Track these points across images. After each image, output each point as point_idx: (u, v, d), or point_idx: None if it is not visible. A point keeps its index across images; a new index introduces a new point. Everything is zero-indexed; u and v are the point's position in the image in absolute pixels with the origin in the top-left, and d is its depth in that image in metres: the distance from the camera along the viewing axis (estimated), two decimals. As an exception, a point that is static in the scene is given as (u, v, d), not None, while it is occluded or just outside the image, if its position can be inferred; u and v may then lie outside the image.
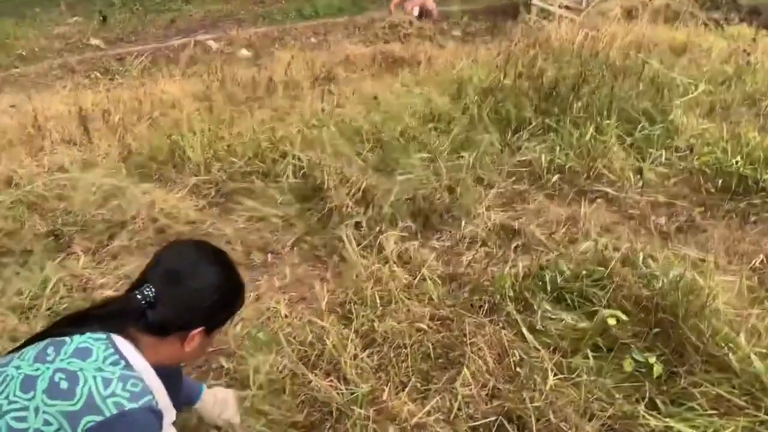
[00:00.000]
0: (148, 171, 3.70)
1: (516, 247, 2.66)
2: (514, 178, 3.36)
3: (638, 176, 3.30)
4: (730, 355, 1.75)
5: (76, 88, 5.96)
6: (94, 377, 1.05)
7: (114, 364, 1.09)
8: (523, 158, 3.51)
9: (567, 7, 8.38)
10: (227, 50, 7.81)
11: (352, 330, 2.10)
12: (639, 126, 3.70)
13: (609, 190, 3.19)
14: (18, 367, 1.08)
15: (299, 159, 3.35)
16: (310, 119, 4.18)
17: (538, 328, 2.07)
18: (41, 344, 1.13)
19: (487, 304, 2.21)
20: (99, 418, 1.02)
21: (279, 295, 2.51)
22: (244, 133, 3.98)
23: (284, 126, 4.08)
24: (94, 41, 7.64)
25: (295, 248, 2.91)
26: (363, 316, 2.17)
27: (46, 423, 1.01)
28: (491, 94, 4.25)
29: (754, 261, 2.47)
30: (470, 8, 10.34)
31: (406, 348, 2.01)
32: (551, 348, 1.97)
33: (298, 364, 1.96)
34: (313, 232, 2.97)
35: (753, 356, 1.72)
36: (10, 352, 1.18)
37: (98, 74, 6.42)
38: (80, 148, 3.83)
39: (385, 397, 1.82)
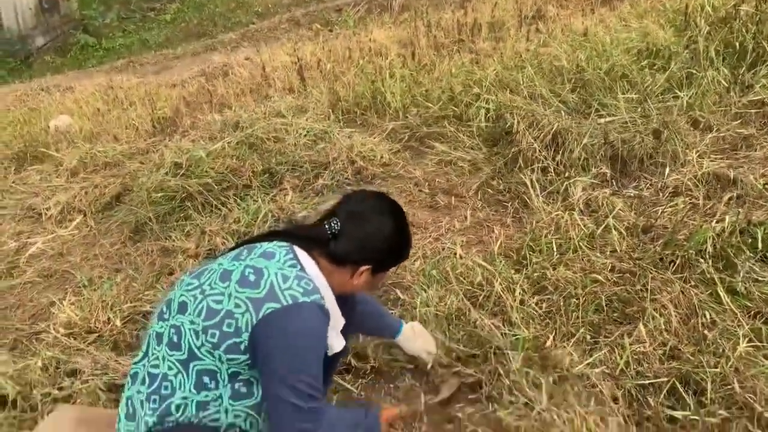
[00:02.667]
0: (353, 116, 3.98)
1: (729, 200, 2.32)
2: (740, 121, 2.88)
3: None
4: None
5: (300, 40, 6.56)
6: (276, 273, 1.25)
7: (292, 266, 1.28)
8: (756, 98, 2.99)
9: None
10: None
11: (523, 276, 2.06)
12: None
13: None
14: (220, 264, 1.33)
15: (489, 102, 3.29)
16: (509, 61, 4.06)
17: (738, 289, 1.81)
18: (240, 249, 1.37)
19: (679, 260, 1.98)
20: (277, 306, 1.21)
21: (457, 237, 2.56)
22: (442, 78, 4.03)
23: (482, 69, 4.03)
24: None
25: (479, 192, 2.91)
26: (536, 263, 2.11)
27: (237, 306, 1.22)
28: (726, 24, 3.65)
29: None
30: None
31: (578, 298, 1.92)
32: (751, 313, 1.71)
33: (466, 302, 1.99)
34: (498, 176, 2.93)
35: None
36: (219, 255, 1.45)
37: (319, 26, 6.96)
38: (296, 96, 4.24)
39: (548, 344, 1.78)
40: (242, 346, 1.20)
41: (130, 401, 1.27)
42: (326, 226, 1.34)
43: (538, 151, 2.79)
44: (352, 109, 4.02)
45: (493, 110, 3.25)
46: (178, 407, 1.21)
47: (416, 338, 1.79)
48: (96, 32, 10.60)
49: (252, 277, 1.25)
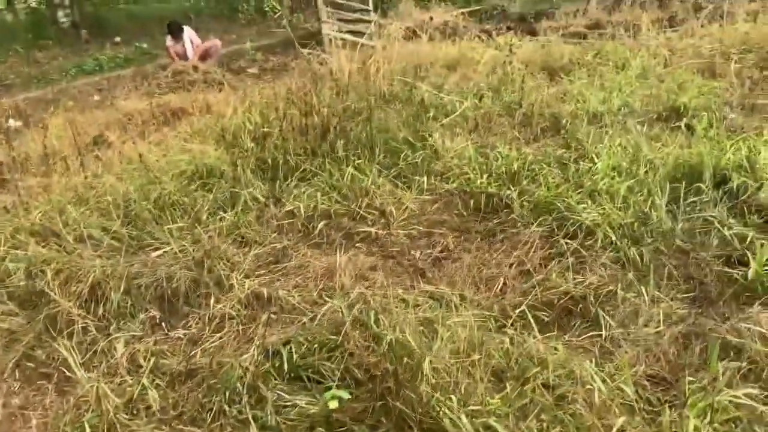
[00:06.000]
0: None
1: (268, 320, 2.44)
2: (276, 234, 3.16)
3: (402, 209, 3.26)
4: (445, 420, 1.65)
5: None
6: None
7: None
8: (289, 208, 3.33)
9: (354, 32, 8.52)
10: (-10, 122, 6.89)
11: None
12: (402, 155, 3.70)
13: (373, 229, 3.10)
14: None
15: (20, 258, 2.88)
16: (63, 198, 3.70)
17: (269, 424, 1.85)
18: None
19: (215, 405, 1.95)
20: None
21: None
22: None
23: (27, 212, 3.57)
24: None
25: (17, 369, 2.45)
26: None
27: None
28: (260, 142, 4.06)
29: (495, 286, 2.47)
30: (266, 43, 10.20)
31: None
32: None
33: None
34: (40, 345, 2.53)
35: (464, 419, 1.63)
36: None
37: None
38: None
39: None
40: None
41: None
42: None
43: (75, 309, 2.51)
44: None
45: (25, 267, 2.85)
46: None
47: None
48: None
49: None
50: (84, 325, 2.47)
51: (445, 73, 5.85)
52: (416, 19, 8.82)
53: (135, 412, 2.01)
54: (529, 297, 2.38)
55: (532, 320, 2.18)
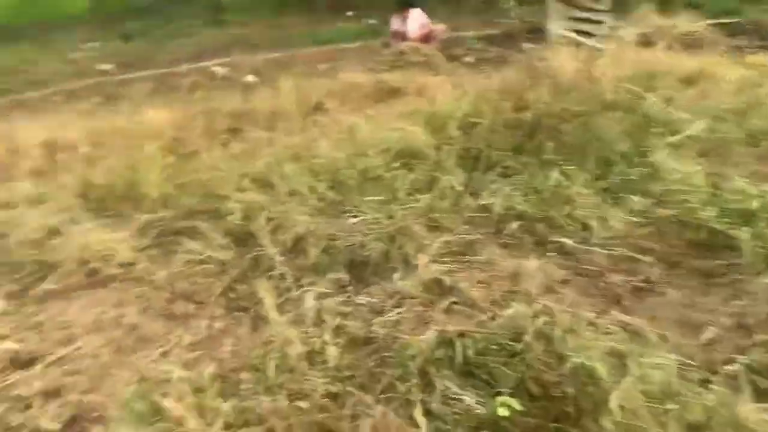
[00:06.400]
0: (105, 206, 3.64)
1: (447, 308, 2.43)
2: (468, 226, 3.12)
3: (606, 226, 3.02)
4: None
5: (75, 114, 6.04)
6: None
7: None
8: (484, 202, 3.28)
9: (583, 33, 8.07)
10: (233, 76, 7.83)
11: (230, 404, 1.92)
12: (616, 169, 3.43)
13: (570, 241, 2.92)
14: None
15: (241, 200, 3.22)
16: (281, 153, 4.07)
17: (434, 412, 1.84)
18: None
19: (386, 379, 1.99)
20: None
21: (185, 353, 2.36)
22: (207, 168, 3.89)
23: (252, 159, 3.99)
24: (104, 66, 7.78)
25: (223, 297, 2.76)
26: (248, 389, 1.98)
27: None
28: (467, 131, 4.04)
29: (704, 334, 2.18)
30: (488, 33, 10.12)
31: None
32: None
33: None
34: (242, 280, 2.81)
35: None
36: None
37: (98, 100, 6.50)
38: (38, 182, 3.80)
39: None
40: None
41: None
42: None
43: (278, 255, 2.74)
44: (105, 198, 3.70)
45: (244, 208, 3.17)
46: None
47: None
48: None
49: None
50: (282, 272, 2.68)
51: (679, 87, 5.29)
52: (655, 25, 8.09)
53: (312, 363, 2.13)
54: (746, 356, 2.06)
55: (745, 383, 1.89)
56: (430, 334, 2.16)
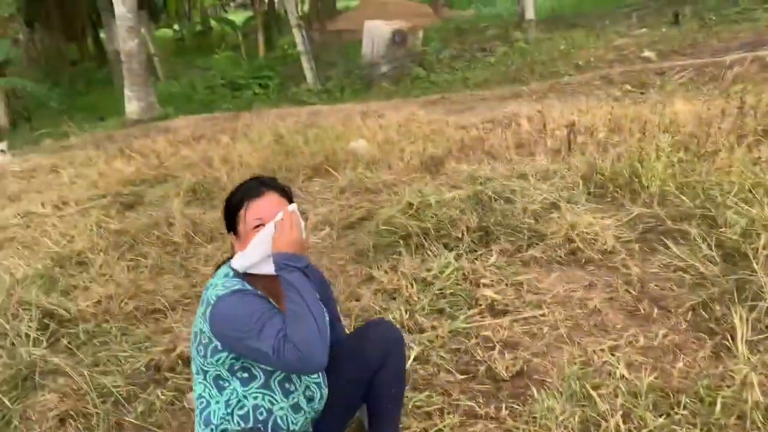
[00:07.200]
0: (604, 192, 3.79)
1: None
2: None
3: None
4: None
5: (605, 99, 6.37)
6: (209, 286, 1.60)
7: (225, 275, 1.60)
8: None
9: None
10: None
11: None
12: None
13: None
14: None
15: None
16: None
17: None
18: None
19: None
20: (210, 307, 1.53)
21: (633, 354, 2.31)
22: (713, 172, 3.54)
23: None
24: (646, 53, 7.79)
25: (691, 312, 2.54)
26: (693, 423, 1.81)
27: (199, 322, 1.57)
28: None
29: None
30: None
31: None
32: None
33: None
34: (722, 301, 2.50)
35: None
36: None
37: (630, 87, 6.60)
38: (553, 160, 4.21)
39: None
40: (218, 346, 1.52)
41: None
42: None
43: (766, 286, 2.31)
44: (606, 184, 3.84)
45: (746, 223, 2.77)
46: (211, 413, 1.52)
47: None
48: (429, 66, 11.93)
49: (203, 296, 1.59)
50: (771, 306, 2.27)
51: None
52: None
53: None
54: None
55: None
56: None
